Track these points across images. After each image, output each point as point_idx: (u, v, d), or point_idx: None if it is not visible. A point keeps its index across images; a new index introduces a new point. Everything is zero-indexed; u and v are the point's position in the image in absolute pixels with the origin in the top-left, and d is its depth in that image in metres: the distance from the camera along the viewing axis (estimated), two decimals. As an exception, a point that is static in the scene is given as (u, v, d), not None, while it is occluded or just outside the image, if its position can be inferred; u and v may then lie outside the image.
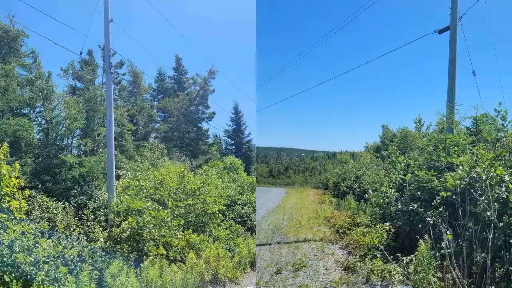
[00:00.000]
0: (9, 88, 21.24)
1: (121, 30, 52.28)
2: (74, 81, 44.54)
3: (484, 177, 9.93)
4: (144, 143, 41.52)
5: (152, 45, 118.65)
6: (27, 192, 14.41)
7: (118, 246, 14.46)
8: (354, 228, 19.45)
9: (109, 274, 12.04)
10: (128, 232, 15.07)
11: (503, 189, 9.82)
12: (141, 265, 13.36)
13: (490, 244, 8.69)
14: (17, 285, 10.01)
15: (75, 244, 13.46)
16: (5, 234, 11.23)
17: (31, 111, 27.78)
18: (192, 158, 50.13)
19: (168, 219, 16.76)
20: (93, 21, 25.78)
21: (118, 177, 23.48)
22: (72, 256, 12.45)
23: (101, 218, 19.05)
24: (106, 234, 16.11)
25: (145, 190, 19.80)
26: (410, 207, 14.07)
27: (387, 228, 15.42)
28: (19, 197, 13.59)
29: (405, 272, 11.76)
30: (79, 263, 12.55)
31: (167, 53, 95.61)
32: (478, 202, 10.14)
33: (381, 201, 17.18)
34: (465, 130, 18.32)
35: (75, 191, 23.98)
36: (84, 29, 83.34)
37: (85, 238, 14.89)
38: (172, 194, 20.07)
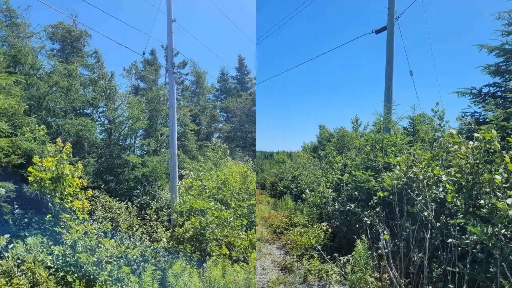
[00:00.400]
0: (72, 88, 21.40)
1: (184, 30, 52.47)
2: (137, 81, 45.06)
3: (421, 177, 9.99)
4: (207, 143, 41.43)
5: (214, 45, 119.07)
6: (90, 192, 14.46)
7: (181, 246, 14.35)
8: (291, 228, 19.06)
9: (172, 274, 11.89)
10: (191, 232, 14.92)
11: (440, 189, 9.86)
12: (204, 265, 13.18)
13: (427, 244, 8.69)
14: (79, 285, 9.97)
15: (137, 244, 13.43)
16: (68, 234, 11.23)
17: (94, 111, 28.01)
18: (254, 158, 49.98)
19: (231, 219, 16.56)
20: (155, 21, 25.82)
21: (181, 177, 23.50)
22: (134, 256, 12.39)
23: (164, 218, 19.04)
24: (169, 234, 16.05)
25: (208, 190, 19.70)
26: (347, 207, 14.23)
27: (325, 228, 15.40)
28: (82, 197, 13.64)
29: (342, 272, 11.98)
30: (142, 263, 12.50)
31: (230, 53, 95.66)
32: (416, 202, 10.13)
33: (319, 201, 17.21)
34: (403, 130, 18.30)
35: (137, 191, 24.08)
36: (147, 29, 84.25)
37: (147, 238, 14.85)
38: (235, 194, 19.92)
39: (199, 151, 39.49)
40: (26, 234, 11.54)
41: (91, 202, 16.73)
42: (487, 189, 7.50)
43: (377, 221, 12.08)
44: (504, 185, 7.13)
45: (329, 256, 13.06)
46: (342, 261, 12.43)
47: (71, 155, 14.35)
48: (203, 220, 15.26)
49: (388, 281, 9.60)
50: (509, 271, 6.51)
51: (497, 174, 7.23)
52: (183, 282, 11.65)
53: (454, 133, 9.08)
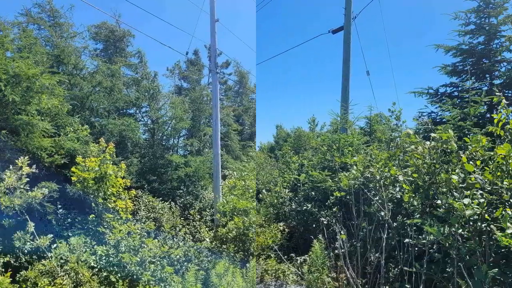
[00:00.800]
0: (115, 88, 21.44)
1: (227, 30, 52.59)
2: (180, 81, 45.07)
3: (378, 177, 10.03)
4: (250, 143, 41.33)
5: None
6: (133, 192, 14.47)
7: (224, 246, 14.27)
8: (248, 228, 18.68)
9: (215, 274, 11.80)
10: (234, 232, 14.82)
11: (397, 189, 9.96)
12: (247, 265, 13.06)
13: (384, 244, 8.72)
14: (123, 285, 9.93)
15: (181, 244, 13.38)
16: (111, 234, 11.23)
17: (137, 111, 28.05)
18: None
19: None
20: (199, 21, 25.82)
21: (224, 177, 23.40)
22: (178, 256, 12.35)
23: (207, 218, 19.00)
24: (212, 234, 15.99)
25: (251, 190, 19.55)
26: (304, 207, 14.34)
27: (282, 228, 15.11)
28: (125, 197, 13.65)
29: (299, 272, 12.04)
30: (185, 263, 12.46)
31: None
32: (372, 202, 10.14)
33: (275, 201, 17.17)
34: (360, 130, 18.41)
35: (181, 191, 24.07)
36: (190, 29, 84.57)
37: (191, 238, 14.82)
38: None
39: (242, 151, 39.39)
40: (69, 234, 11.56)
41: (134, 202, 16.73)
42: (444, 189, 7.46)
43: (334, 221, 12.27)
44: (461, 185, 7.11)
45: (286, 256, 13.03)
46: (299, 261, 12.51)
47: (114, 155, 14.37)
48: (246, 220, 15.14)
49: (345, 281, 9.63)
50: (465, 271, 6.42)
51: (454, 174, 7.22)
52: (226, 282, 11.56)
53: (411, 133, 9.04)
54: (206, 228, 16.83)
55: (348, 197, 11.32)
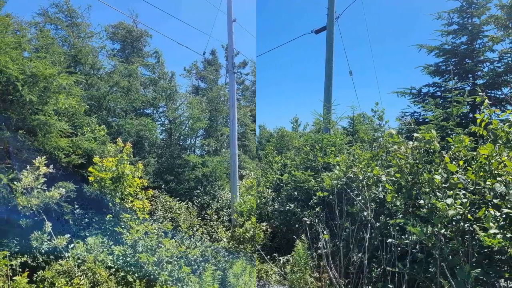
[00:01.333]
0: (132, 88, 21.47)
1: (244, 30, 52.57)
2: (197, 81, 45.23)
3: (361, 177, 10.03)
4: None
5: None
6: (150, 192, 14.47)
7: (242, 246, 14.22)
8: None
9: (232, 274, 11.77)
10: (251, 232, 14.75)
11: (380, 189, 9.96)
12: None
13: (366, 244, 8.81)
14: (140, 285, 9.90)
15: (198, 244, 13.38)
16: (128, 234, 11.21)
17: (154, 111, 28.08)
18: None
19: (292, 218, 16.39)
20: (216, 21, 25.85)
21: (241, 177, 23.41)
22: (195, 256, 12.34)
23: (224, 218, 18.99)
24: (229, 234, 15.98)
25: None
26: (287, 207, 14.40)
27: (264, 228, 14.96)
28: (143, 197, 13.65)
29: (282, 272, 12.14)
30: (202, 263, 12.47)
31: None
32: (355, 202, 10.31)
33: (258, 201, 16.94)
34: (342, 130, 18.69)
35: (198, 191, 24.07)
36: (207, 29, 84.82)
37: (208, 238, 14.80)
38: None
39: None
40: (87, 234, 11.56)
41: (152, 202, 16.74)
42: (427, 189, 7.48)
43: (316, 221, 12.25)
44: (443, 185, 7.09)
45: (268, 256, 13.07)
46: (281, 261, 12.63)
47: (132, 155, 14.38)
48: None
49: (327, 281, 9.71)
50: (448, 271, 6.51)
51: (436, 174, 7.23)
52: (243, 282, 11.53)
53: (393, 133, 9.05)
54: (223, 228, 16.84)
55: (331, 197, 11.40)
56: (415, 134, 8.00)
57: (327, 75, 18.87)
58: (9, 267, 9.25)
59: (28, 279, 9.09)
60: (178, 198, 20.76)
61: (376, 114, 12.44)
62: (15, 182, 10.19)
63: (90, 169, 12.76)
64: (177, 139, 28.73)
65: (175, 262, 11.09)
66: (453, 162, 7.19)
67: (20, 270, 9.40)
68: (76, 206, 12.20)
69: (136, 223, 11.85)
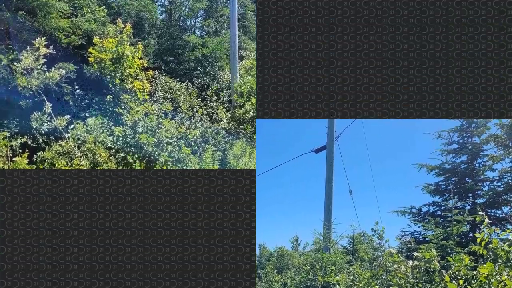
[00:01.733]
0: (131, -31, 21.07)
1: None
2: (197, -41, 44.11)
3: None
4: (267, 23, 40.73)
5: None
6: (150, 72, 14.43)
7: (241, 127, 14.31)
8: None
9: (232, 155, 11.91)
10: (251, 112, 14.82)
11: None
12: (265, 146, 13.20)
13: None
14: (140, 165, 10.04)
15: (198, 125, 13.45)
16: (128, 115, 11.26)
17: (154, -9, 27.61)
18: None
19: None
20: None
21: (241, 58, 23.21)
22: (195, 137, 12.43)
23: (224, 99, 18.97)
24: (229, 115, 16.02)
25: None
26: None
27: None
28: (142, 78, 13.65)
29: None
30: (202, 144, 12.54)
31: None
32: None
33: None
34: (342, 249, 18.01)
35: (198, 72, 23.95)
36: None
37: (208, 119, 14.85)
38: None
39: (259, 32, 38.93)
40: (87, 115, 11.64)
41: (151, 83, 16.70)
42: None
43: None
44: None
45: None
46: None
47: (132, 36, 14.24)
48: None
49: None
50: None
51: None
52: (243, 163, 11.68)
53: (393, 252, 8.89)
54: (223, 109, 16.88)
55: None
56: (415, 253, 8.00)
57: (327, 194, 18.60)
58: (9, 148, 9.38)
59: (28, 160, 9.24)
60: (178, 79, 20.71)
61: (376, 233, 12.40)
62: (15, 63, 10.17)
63: (90, 50, 12.70)
64: (177, 20, 28.38)
65: (175, 143, 11.20)
66: (453, 282, 7.12)
67: (20, 151, 9.53)
68: (76, 87, 12.21)
69: (136, 103, 11.90)
